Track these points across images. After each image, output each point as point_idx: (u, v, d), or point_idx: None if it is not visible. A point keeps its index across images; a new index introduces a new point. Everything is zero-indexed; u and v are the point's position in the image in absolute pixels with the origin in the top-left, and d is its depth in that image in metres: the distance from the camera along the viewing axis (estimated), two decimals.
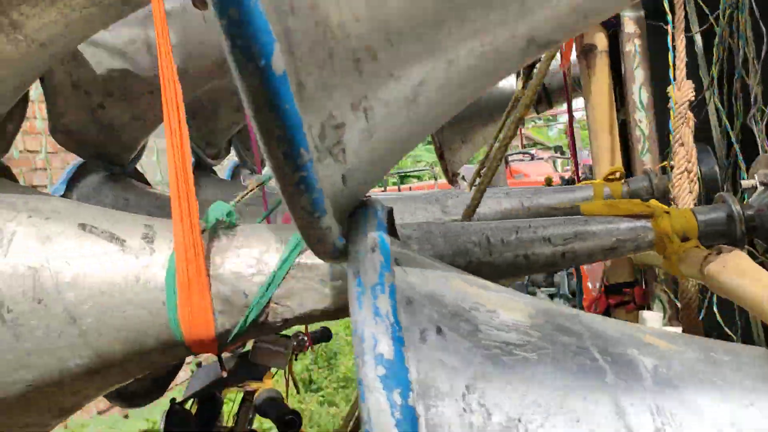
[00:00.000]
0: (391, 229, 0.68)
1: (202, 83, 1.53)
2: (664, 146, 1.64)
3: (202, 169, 2.25)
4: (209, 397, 1.78)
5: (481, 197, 1.28)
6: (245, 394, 1.78)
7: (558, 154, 13.48)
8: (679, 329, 1.14)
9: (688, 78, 1.33)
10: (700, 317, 1.16)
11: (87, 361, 0.91)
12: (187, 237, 0.92)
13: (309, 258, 0.95)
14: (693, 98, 1.07)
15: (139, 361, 0.97)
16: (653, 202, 0.98)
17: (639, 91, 1.61)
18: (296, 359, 2.07)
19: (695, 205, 1.09)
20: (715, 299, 1.40)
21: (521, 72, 3.40)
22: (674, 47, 1.09)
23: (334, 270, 0.95)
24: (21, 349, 0.88)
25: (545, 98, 3.38)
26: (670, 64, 1.09)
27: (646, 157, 1.59)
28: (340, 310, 0.96)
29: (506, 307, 0.56)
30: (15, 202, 0.95)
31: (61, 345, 0.90)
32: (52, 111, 1.34)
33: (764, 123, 1.46)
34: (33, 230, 0.92)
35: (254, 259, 0.95)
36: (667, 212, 0.92)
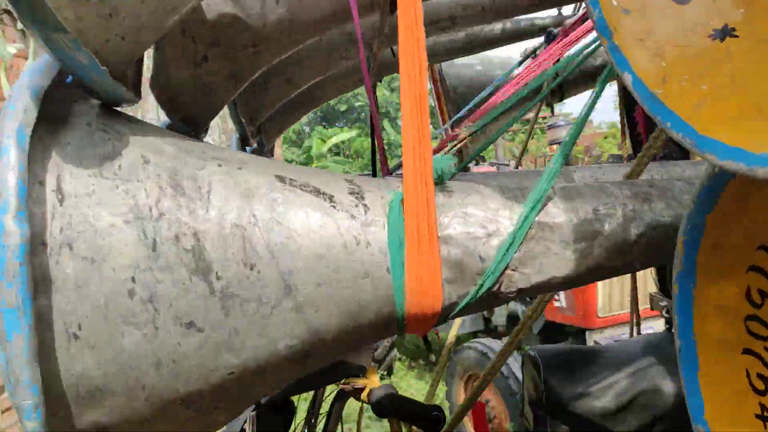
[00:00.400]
0: None
1: (307, 37, 1.36)
2: None
3: (243, 145, 2.07)
4: (284, 402, 1.60)
5: (642, 170, 1.18)
6: (354, 392, 1.60)
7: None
8: None
9: None
10: None
11: (298, 342, 0.75)
12: (420, 192, 0.77)
13: (549, 216, 0.82)
14: None
15: (348, 342, 0.81)
16: None
17: None
18: None
19: None
20: None
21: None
22: None
23: (577, 230, 0.82)
24: (229, 327, 0.71)
25: (558, 90, 3.31)
26: None
27: None
28: (580, 277, 0.83)
29: None
30: (194, 149, 0.78)
31: (273, 321, 0.73)
32: (157, 61, 1.15)
33: None
34: (230, 181, 0.75)
35: (487, 217, 0.81)
36: None
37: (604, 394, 1.57)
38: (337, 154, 22.18)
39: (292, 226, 0.74)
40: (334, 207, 0.78)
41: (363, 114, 33.77)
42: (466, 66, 3.55)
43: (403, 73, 0.76)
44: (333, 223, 0.76)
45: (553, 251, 0.81)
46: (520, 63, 3.09)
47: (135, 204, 0.68)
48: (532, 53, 3.19)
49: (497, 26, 2.88)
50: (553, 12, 3.06)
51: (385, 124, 23.26)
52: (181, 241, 0.69)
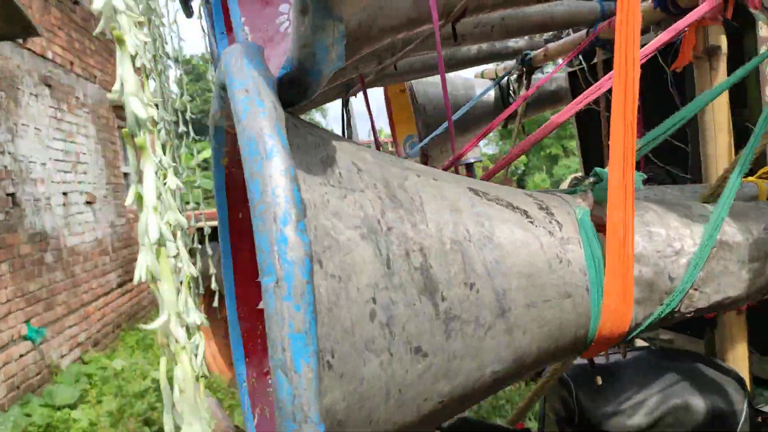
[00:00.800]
0: None
1: (377, 43, 1.30)
2: None
3: None
4: None
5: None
6: None
7: None
8: None
9: None
10: None
11: (503, 367, 0.70)
12: (623, 212, 0.74)
13: (726, 235, 0.81)
14: None
15: (539, 366, 0.76)
16: None
17: None
18: None
19: None
20: None
21: (500, 86, 3.42)
22: None
23: (752, 249, 0.81)
24: (449, 352, 0.65)
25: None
26: None
27: None
28: (750, 296, 0.83)
29: None
30: (384, 157, 0.71)
31: (486, 345, 0.67)
32: None
33: None
34: (435, 193, 0.69)
35: (670, 236, 0.79)
36: None
37: (635, 412, 1.59)
38: (206, 168, 21.21)
39: (501, 243, 0.69)
40: (532, 223, 0.73)
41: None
42: (431, 85, 3.56)
43: (616, 100, 0.73)
44: (535, 239, 0.72)
45: (730, 270, 0.80)
46: (497, 83, 3.15)
47: (365, 216, 0.61)
48: (506, 75, 3.26)
49: (473, 47, 2.92)
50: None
51: None
52: (410, 258, 0.62)
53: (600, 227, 0.76)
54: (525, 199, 0.77)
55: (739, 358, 1.83)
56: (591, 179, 0.82)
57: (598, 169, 0.81)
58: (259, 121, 0.53)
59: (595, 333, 0.75)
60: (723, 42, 1.74)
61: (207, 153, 20.48)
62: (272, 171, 0.51)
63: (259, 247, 0.50)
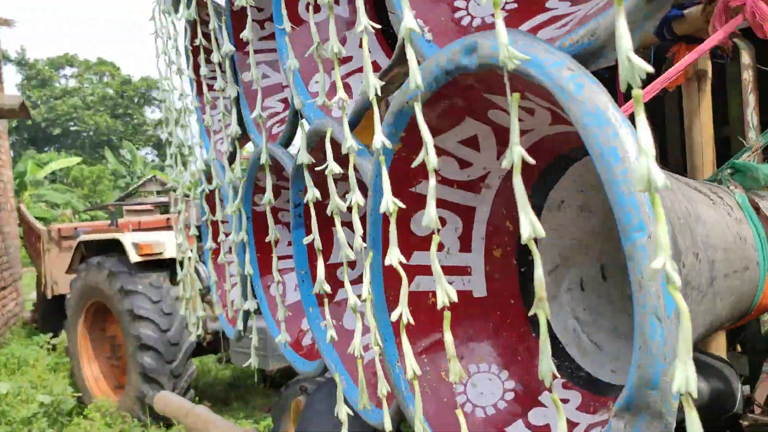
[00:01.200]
0: None
1: None
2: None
3: None
4: None
5: None
6: None
7: None
8: None
9: None
10: None
11: (703, 331, 0.79)
12: None
13: None
14: None
15: (711, 333, 0.85)
16: None
17: (751, 114, 1.86)
18: None
19: None
20: None
21: None
22: None
23: None
24: None
25: None
26: None
27: None
28: None
29: None
30: None
31: (700, 310, 0.76)
32: None
33: None
34: None
35: None
36: None
37: None
38: (53, 181, 19.86)
39: (705, 220, 0.78)
40: (714, 204, 0.83)
41: (80, 140, 29.66)
42: None
43: None
44: (722, 218, 0.82)
45: None
46: None
47: None
48: None
49: None
50: None
51: (107, 153, 21.30)
52: None
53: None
54: (699, 184, 0.86)
55: (720, 347, 2.04)
56: (728, 170, 0.93)
57: (736, 162, 0.92)
58: (600, 95, 0.58)
59: (757, 303, 0.86)
60: (709, 67, 1.96)
61: (56, 164, 18.40)
62: (629, 138, 0.56)
63: (625, 208, 0.55)
